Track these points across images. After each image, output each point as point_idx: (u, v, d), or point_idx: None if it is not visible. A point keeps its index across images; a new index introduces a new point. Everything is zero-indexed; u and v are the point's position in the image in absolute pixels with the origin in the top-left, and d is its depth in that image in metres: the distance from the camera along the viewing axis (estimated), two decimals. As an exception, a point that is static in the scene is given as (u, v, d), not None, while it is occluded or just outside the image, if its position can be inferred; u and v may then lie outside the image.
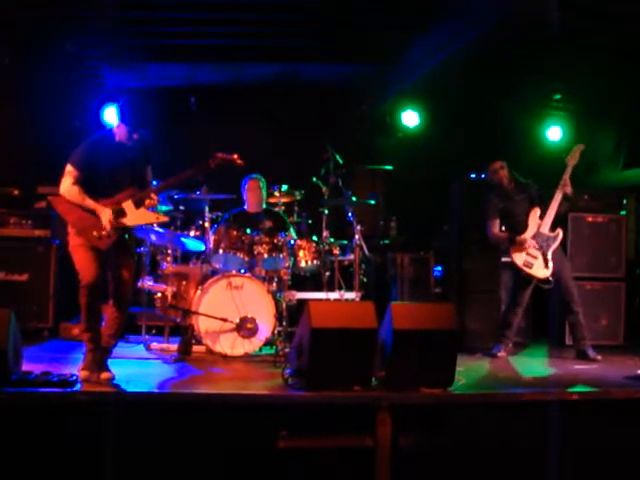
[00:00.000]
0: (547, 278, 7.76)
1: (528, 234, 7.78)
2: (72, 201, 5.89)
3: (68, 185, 5.87)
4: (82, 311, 5.87)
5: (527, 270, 7.73)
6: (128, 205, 5.96)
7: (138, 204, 6.01)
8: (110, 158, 5.94)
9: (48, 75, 9.36)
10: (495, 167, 8.03)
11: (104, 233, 5.85)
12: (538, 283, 7.79)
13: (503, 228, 8.00)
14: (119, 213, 5.92)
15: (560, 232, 7.83)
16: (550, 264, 7.73)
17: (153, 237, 7.91)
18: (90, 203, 5.89)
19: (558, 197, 7.76)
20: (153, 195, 6.10)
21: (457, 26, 8.06)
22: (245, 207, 8.57)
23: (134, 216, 6.01)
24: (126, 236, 6.06)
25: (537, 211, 7.84)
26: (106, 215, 5.88)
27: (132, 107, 5.97)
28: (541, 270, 7.73)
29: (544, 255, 7.74)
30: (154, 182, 6.32)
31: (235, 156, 6.54)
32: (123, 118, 5.95)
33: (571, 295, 7.86)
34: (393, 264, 9.25)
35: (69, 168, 5.88)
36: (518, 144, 10.37)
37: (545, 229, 7.78)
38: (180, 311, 7.58)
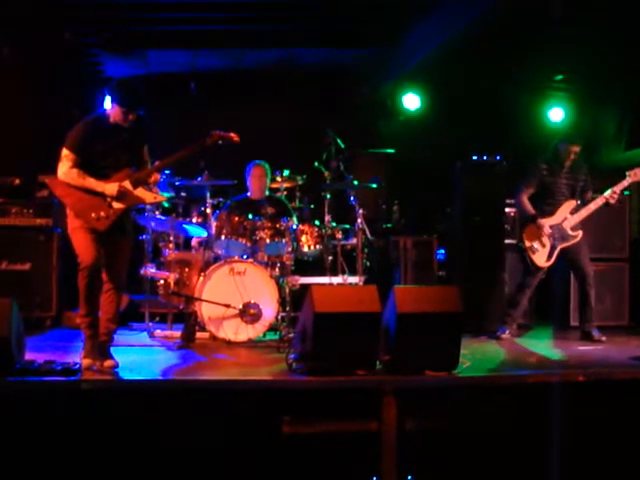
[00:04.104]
0: (543, 269, 7.76)
1: (550, 222, 7.72)
2: (72, 184, 5.85)
3: (66, 169, 5.83)
4: (80, 295, 5.84)
5: (530, 253, 7.72)
6: (126, 185, 5.94)
7: (135, 184, 5.99)
8: (105, 139, 5.90)
9: (47, 64, 9.34)
10: (573, 149, 7.76)
11: (102, 214, 5.83)
12: (532, 268, 7.77)
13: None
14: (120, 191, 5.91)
15: (580, 234, 7.76)
16: (553, 259, 7.71)
17: (155, 224, 7.89)
18: (92, 182, 5.85)
19: (600, 202, 7.70)
20: (154, 175, 6.10)
21: (458, 6, 8.01)
22: (248, 194, 8.55)
23: (132, 196, 5.99)
24: (124, 218, 6.01)
25: (572, 204, 7.78)
26: (113, 187, 5.85)
27: (126, 89, 5.92)
28: (542, 260, 7.73)
29: (552, 248, 7.71)
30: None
31: (232, 134, 6.50)
32: (115, 99, 5.88)
33: (587, 275, 7.79)
34: (396, 248, 9.23)
35: (65, 152, 5.84)
36: (520, 125, 10.33)
37: (568, 225, 7.73)
38: (183, 298, 7.57)
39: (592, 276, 7.85)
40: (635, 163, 8.01)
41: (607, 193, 7.67)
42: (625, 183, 7.67)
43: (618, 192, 7.67)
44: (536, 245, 7.72)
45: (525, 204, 7.83)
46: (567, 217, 7.77)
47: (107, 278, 5.98)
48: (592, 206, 7.76)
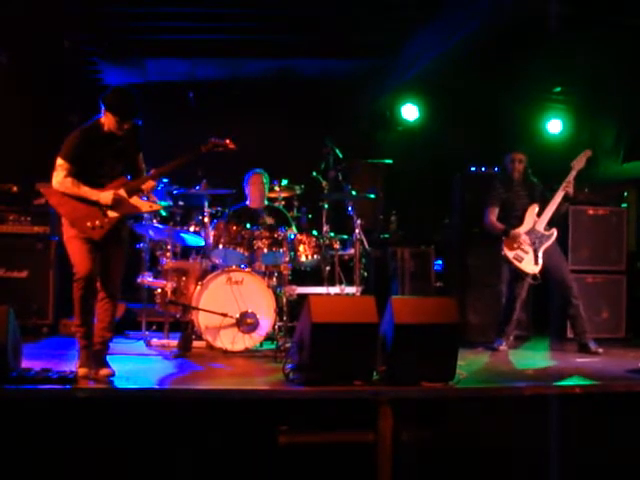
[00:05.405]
0: (535, 274, 7.78)
1: (523, 229, 7.80)
2: (67, 193, 5.83)
3: (61, 178, 5.81)
4: (75, 305, 5.81)
5: (516, 264, 7.76)
6: (121, 193, 5.92)
7: (131, 192, 5.97)
8: (100, 148, 5.87)
9: (46, 72, 9.35)
10: (516, 157, 8.03)
11: (97, 223, 5.81)
12: (526, 278, 7.80)
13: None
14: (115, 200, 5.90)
15: (555, 232, 7.84)
16: (540, 261, 7.75)
17: (152, 233, 7.88)
18: (86, 190, 5.83)
19: (559, 197, 7.80)
20: (149, 181, 6.09)
21: (456, 18, 8.03)
22: (247, 202, 8.57)
23: (127, 204, 5.98)
24: (119, 227, 5.99)
25: (535, 208, 7.87)
26: (108, 195, 5.84)
27: (121, 97, 5.91)
28: (530, 266, 7.75)
29: (535, 252, 7.76)
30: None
31: (227, 140, 6.49)
32: (110, 108, 5.84)
33: (569, 288, 7.85)
34: (394, 258, 9.24)
35: (60, 161, 5.81)
36: (518, 137, 10.34)
37: (541, 227, 7.80)
38: (180, 307, 7.56)
39: (576, 288, 7.89)
40: (633, 175, 8.04)
41: (562, 185, 7.79)
42: (573, 172, 7.81)
43: (571, 181, 7.80)
44: (520, 253, 7.76)
45: (494, 223, 7.98)
46: (536, 220, 7.85)
47: (101, 286, 5.95)
48: (554, 202, 7.84)
